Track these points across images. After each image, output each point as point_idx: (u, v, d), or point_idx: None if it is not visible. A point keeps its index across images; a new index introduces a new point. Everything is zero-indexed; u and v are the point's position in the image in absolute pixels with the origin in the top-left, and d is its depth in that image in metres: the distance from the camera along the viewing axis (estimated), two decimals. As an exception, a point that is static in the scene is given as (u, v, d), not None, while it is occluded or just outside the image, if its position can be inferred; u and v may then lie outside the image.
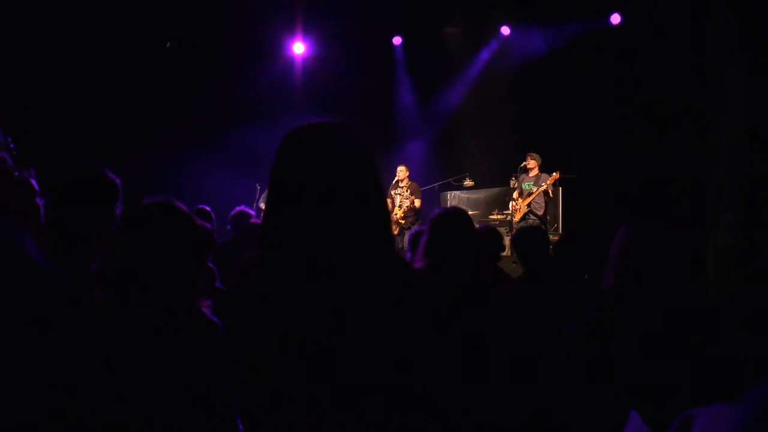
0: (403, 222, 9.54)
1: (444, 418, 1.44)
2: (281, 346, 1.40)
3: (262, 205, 9.90)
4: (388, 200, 9.64)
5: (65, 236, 2.26)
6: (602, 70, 9.72)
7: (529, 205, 9.04)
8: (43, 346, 1.06)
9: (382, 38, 11.43)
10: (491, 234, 4.64)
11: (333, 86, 11.19)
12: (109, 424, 1.73)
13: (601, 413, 2.12)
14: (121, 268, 1.87)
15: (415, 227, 9.18)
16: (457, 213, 3.06)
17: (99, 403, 1.72)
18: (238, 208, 6.13)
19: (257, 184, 10.39)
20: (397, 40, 11.53)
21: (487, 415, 2.27)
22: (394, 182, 9.76)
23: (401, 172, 9.78)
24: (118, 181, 2.41)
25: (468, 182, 10.17)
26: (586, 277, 4.30)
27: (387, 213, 1.55)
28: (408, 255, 3.78)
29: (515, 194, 9.31)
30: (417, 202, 9.65)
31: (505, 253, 8.10)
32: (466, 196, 10.55)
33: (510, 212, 9.39)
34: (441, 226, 2.95)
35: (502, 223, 9.47)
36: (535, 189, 8.99)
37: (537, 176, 9.09)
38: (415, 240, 3.92)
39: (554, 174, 8.83)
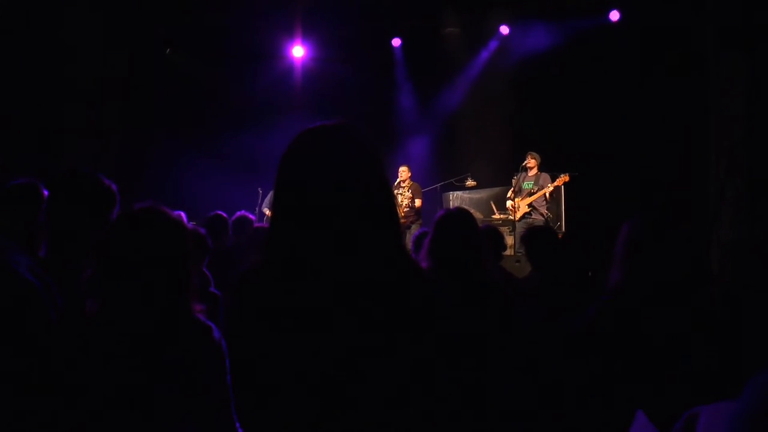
0: (403, 221, 9.55)
1: (449, 417, 1.42)
2: (282, 351, 1.39)
3: (266, 210, 10.02)
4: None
5: (61, 243, 2.25)
6: (602, 68, 9.71)
7: (530, 204, 9.02)
8: (37, 363, 1.05)
9: (381, 40, 11.43)
10: (493, 234, 4.63)
11: (333, 89, 11.21)
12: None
13: (606, 412, 2.10)
14: (110, 275, 1.85)
15: (417, 227, 9.27)
16: (461, 214, 3.06)
17: (95, 413, 1.71)
18: (238, 213, 6.12)
19: (259, 189, 10.40)
20: (396, 42, 11.53)
21: (491, 414, 2.26)
22: (396, 183, 9.76)
23: (403, 172, 9.80)
24: (114, 187, 2.39)
25: (470, 182, 10.16)
26: (590, 274, 4.29)
27: (396, 217, 1.53)
28: (413, 255, 3.77)
29: (510, 193, 9.30)
30: (417, 202, 9.66)
31: (507, 253, 8.10)
32: (468, 196, 10.53)
33: (509, 211, 9.38)
34: (445, 227, 2.94)
35: (504, 222, 9.45)
36: (535, 189, 8.97)
37: (537, 175, 9.08)
38: (419, 241, 3.92)
39: (563, 176, 8.81)
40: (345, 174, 1.43)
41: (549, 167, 9.13)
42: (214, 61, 11.19)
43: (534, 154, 9.14)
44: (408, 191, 9.68)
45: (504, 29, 10.90)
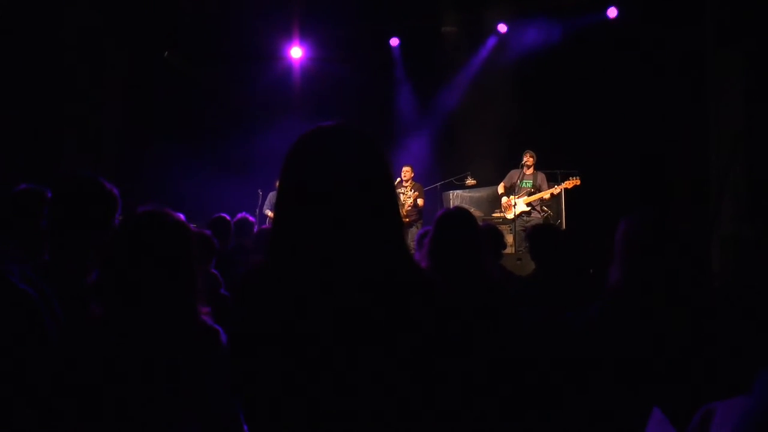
0: (406, 221, 9.57)
1: (444, 421, 1.42)
2: (287, 352, 1.39)
3: (267, 212, 10.03)
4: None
5: (64, 247, 2.26)
6: (601, 65, 9.71)
7: (529, 204, 9.04)
8: (33, 372, 1.05)
9: (379, 40, 11.43)
10: (493, 232, 4.64)
11: (332, 89, 11.22)
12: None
13: (620, 410, 2.09)
14: (114, 279, 1.86)
15: (419, 227, 9.29)
16: (460, 213, 3.06)
17: (99, 417, 1.71)
18: (239, 216, 6.13)
19: (259, 190, 10.40)
20: (394, 41, 11.52)
21: (491, 414, 2.26)
22: (398, 182, 9.77)
23: (406, 172, 9.83)
24: (116, 191, 2.40)
25: (470, 181, 10.17)
26: (592, 272, 4.30)
27: (400, 219, 1.52)
28: (416, 254, 3.78)
29: (501, 188, 9.32)
30: (420, 201, 9.68)
31: (507, 251, 8.11)
32: (469, 195, 10.53)
33: (503, 208, 9.41)
34: (444, 226, 2.95)
35: (505, 220, 9.47)
36: (533, 189, 9.02)
37: (534, 174, 9.11)
38: (421, 240, 3.93)
39: (574, 179, 8.82)
40: (347, 175, 1.42)
41: (548, 165, 9.14)
42: (212, 62, 11.20)
43: (531, 152, 9.16)
44: (411, 190, 9.71)
45: (502, 27, 10.90)
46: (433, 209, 9.93)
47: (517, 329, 2.60)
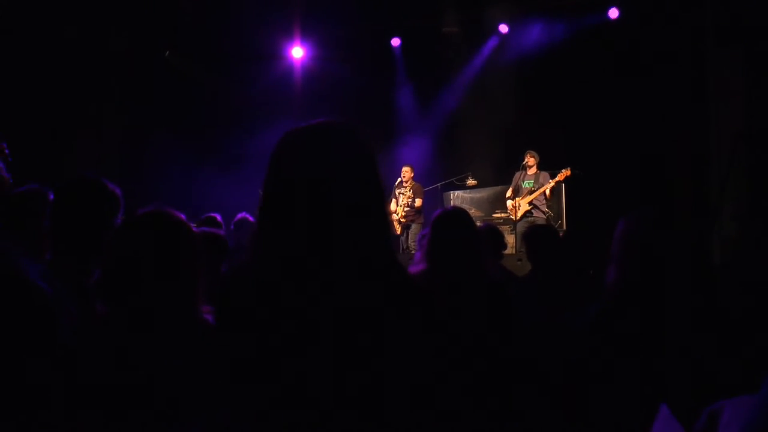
0: (403, 220, 9.60)
1: (444, 421, 1.43)
2: (271, 350, 1.39)
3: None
4: (393, 199, 9.70)
5: (67, 248, 2.28)
6: (602, 65, 9.71)
7: (531, 202, 9.04)
8: (49, 370, 1.06)
9: (380, 40, 11.43)
10: (492, 232, 4.64)
11: (333, 89, 11.20)
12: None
13: (622, 410, 2.10)
14: (117, 278, 1.87)
15: (418, 226, 9.31)
16: (457, 213, 3.06)
17: (104, 415, 1.73)
18: (239, 215, 6.14)
19: (260, 190, 10.38)
20: (395, 42, 11.53)
21: (492, 415, 2.27)
22: (398, 182, 9.79)
23: (406, 172, 9.81)
24: (118, 191, 2.41)
25: (470, 181, 10.18)
26: (591, 273, 4.31)
27: (386, 216, 1.52)
28: (418, 255, 3.80)
29: (509, 192, 9.32)
30: (418, 202, 9.67)
31: (508, 252, 8.12)
32: (469, 195, 10.54)
33: (509, 211, 9.40)
34: (441, 227, 2.95)
35: (505, 221, 9.48)
36: (536, 187, 9.00)
37: (536, 174, 9.11)
38: (422, 241, 3.94)
39: (564, 170, 8.83)
40: (330, 172, 1.42)
41: (549, 165, 9.14)
42: (213, 62, 11.21)
43: (533, 152, 9.16)
44: (409, 191, 9.71)
45: (503, 28, 10.89)
46: (433, 209, 9.90)
47: (517, 329, 2.60)
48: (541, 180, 9.01)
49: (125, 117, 10.15)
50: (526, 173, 9.22)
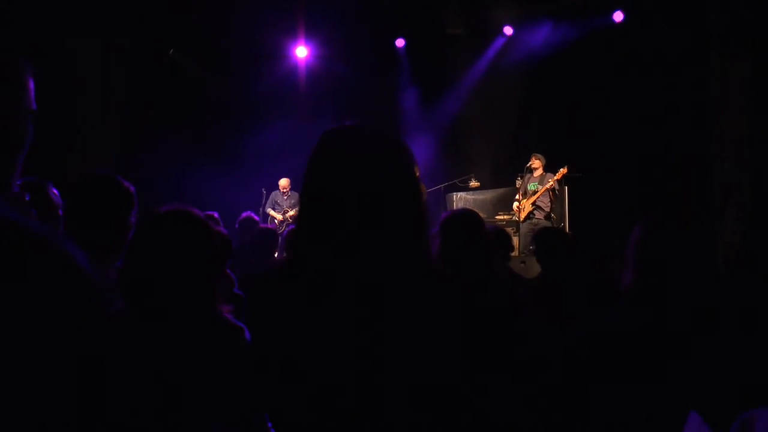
0: None
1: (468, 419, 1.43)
2: (307, 352, 1.39)
3: (269, 210, 10.04)
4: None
5: (81, 246, 2.26)
6: (606, 68, 9.71)
7: (534, 203, 9.05)
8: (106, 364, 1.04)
9: (384, 40, 11.43)
10: (500, 234, 4.63)
11: (336, 89, 11.22)
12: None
13: (651, 415, 2.09)
14: (137, 276, 1.87)
15: None
16: (467, 215, 3.05)
17: (125, 413, 1.72)
18: (244, 214, 6.14)
19: (263, 189, 10.41)
20: (400, 43, 11.52)
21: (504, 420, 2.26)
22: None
23: (410, 172, 9.81)
24: (132, 189, 2.41)
25: (474, 183, 10.18)
26: (601, 276, 4.29)
27: (426, 221, 1.52)
28: None
29: (519, 195, 9.33)
30: None
31: (512, 254, 8.11)
32: (472, 197, 10.53)
33: (514, 212, 9.41)
34: (451, 228, 2.94)
35: (509, 223, 9.48)
36: (540, 188, 9.01)
37: (542, 176, 9.11)
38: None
39: (561, 169, 8.84)
40: (374, 173, 1.43)
41: (553, 167, 9.14)
42: (217, 61, 11.20)
43: (539, 155, 9.17)
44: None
45: (508, 30, 10.89)
46: (436, 210, 9.95)
47: (530, 331, 2.59)
48: (545, 182, 9.02)
49: (128, 115, 10.13)
50: (531, 176, 9.23)
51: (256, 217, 6.22)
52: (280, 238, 5.93)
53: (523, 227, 9.07)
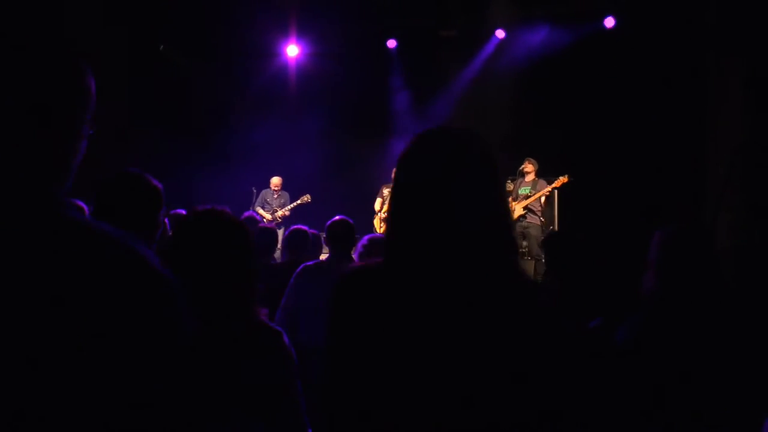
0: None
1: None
2: (384, 357, 1.37)
3: (258, 209, 9.98)
4: (380, 199, 9.75)
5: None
6: (598, 74, 9.75)
7: (526, 207, 9.08)
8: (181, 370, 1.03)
9: (376, 40, 11.40)
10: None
11: (328, 88, 11.18)
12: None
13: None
14: (177, 276, 1.83)
15: None
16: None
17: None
18: (246, 213, 6.09)
19: (253, 188, 10.36)
20: (391, 43, 11.50)
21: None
22: (391, 185, 9.81)
23: (399, 174, 9.84)
24: (161, 187, 2.37)
25: (465, 185, 10.17)
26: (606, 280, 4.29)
27: (509, 231, 1.51)
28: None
29: (510, 198, 9.34)
30: None
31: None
32: (462, 199, 10.51)
33: None
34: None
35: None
36: (532, 193, 9.04)
37: (534, 181, 9.15)
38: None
39: (561, 177, 8.87)
40: (468, 179, 1.41)
41: (544, 172, 9.17)
42: (208, 57, 11.12)
43: (532, 160, 9.21)
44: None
45: (500, 33, 10.91)
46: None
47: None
48: (538, 187, 9.07)
49: (117, 111, 10.01)
50: (523, 180, 9.27)
51: (258, 216, 6.17)
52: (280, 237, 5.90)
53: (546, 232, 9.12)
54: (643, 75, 9.35)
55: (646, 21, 9.52)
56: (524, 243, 9.03)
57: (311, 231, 5.22)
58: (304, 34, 11.37)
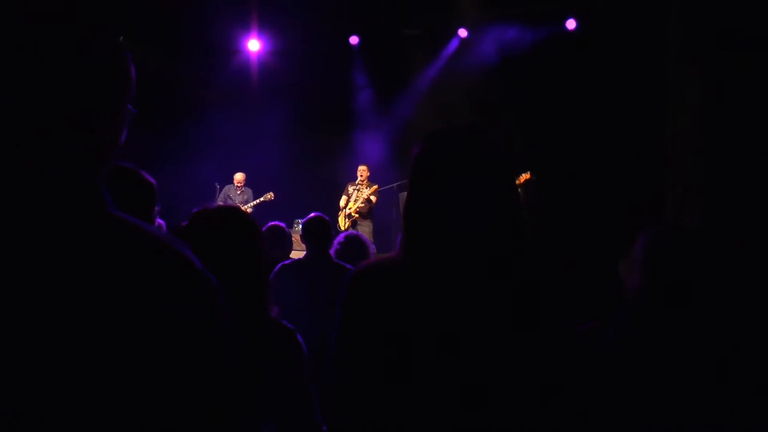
0: (355, 215, 9.85)
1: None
2: (403, 352, 1.37)
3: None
4: (345, 196, 9.80)
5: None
6: (560, 74, 9.88)
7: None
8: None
9: (338, 36, 11.36)
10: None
11: (290, 84, 11.11)
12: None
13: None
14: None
15: (368, 224, 9.56)
16: None
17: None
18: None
19: (216, 184, 10.26)
20: (353, 40, 11.47)
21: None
22: (355, 181, 9.95)
23: (363, 171, 9.99)
24: (154, 182, 2.31)
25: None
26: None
27: (522, 221, 1.53)
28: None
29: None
30: (373, 198, 9.93)
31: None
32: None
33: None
34: None
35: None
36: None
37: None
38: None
39: (524, 174, 8.96)
40: (483, 177, 1.45)
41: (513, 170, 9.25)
42: (169, 52, 10.93)
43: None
44: (366, 188, 9.85)
45: (462, 32, 10.97)
46: (387, 209, 10.05)
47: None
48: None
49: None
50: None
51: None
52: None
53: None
54: (604, 77, 9.48)
55: (606, 24, 9.66)
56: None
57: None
58: (265, 29, 11.28)
